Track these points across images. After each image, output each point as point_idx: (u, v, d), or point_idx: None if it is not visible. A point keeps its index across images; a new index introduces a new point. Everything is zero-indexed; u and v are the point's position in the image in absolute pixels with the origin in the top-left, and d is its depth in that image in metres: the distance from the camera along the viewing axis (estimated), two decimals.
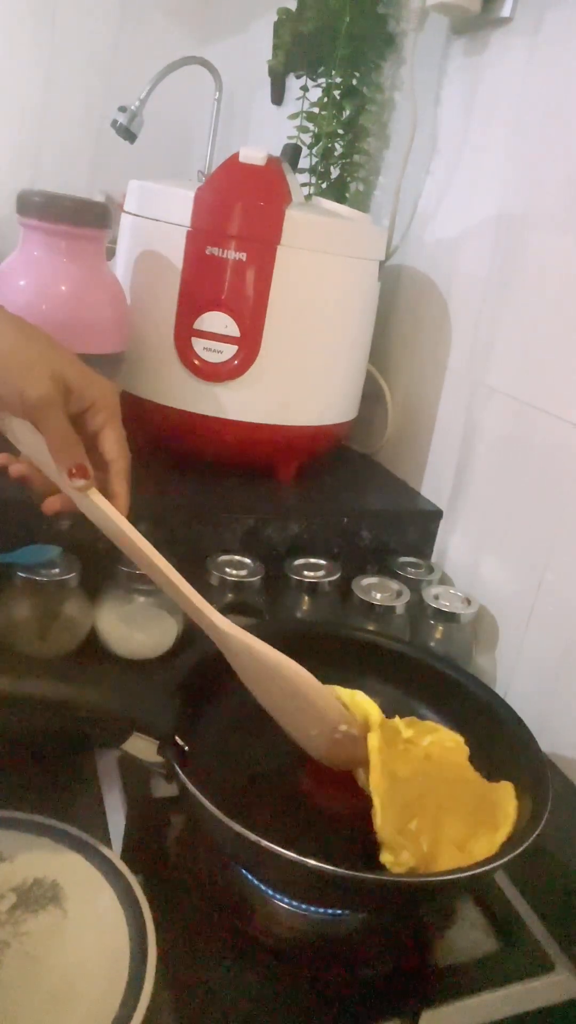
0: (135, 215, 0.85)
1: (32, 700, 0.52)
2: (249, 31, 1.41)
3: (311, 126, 1.02)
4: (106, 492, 0.57)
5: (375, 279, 0.89)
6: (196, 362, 0.82)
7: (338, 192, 1.04)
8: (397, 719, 0.63)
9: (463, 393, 0.88)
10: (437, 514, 0.92)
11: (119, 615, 0.74)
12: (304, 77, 1.05)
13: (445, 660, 0.69)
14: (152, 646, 0.75)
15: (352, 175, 1.04)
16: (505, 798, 0.55)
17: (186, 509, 0.81)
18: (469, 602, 0.80)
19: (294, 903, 0.53)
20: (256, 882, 0.54)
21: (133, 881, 0.52)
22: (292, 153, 0.98)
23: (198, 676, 0.60)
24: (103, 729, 0.58)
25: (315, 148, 1.03)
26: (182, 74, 1.25)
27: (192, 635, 0.75)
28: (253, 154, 0.81)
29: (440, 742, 0.60)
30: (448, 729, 0.62)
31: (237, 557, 0.78)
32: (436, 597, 0.79)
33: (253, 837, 0.46)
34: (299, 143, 1.01)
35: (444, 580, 0.89)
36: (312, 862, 0.46)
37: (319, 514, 0.86)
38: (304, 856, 0.46)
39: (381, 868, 0.51)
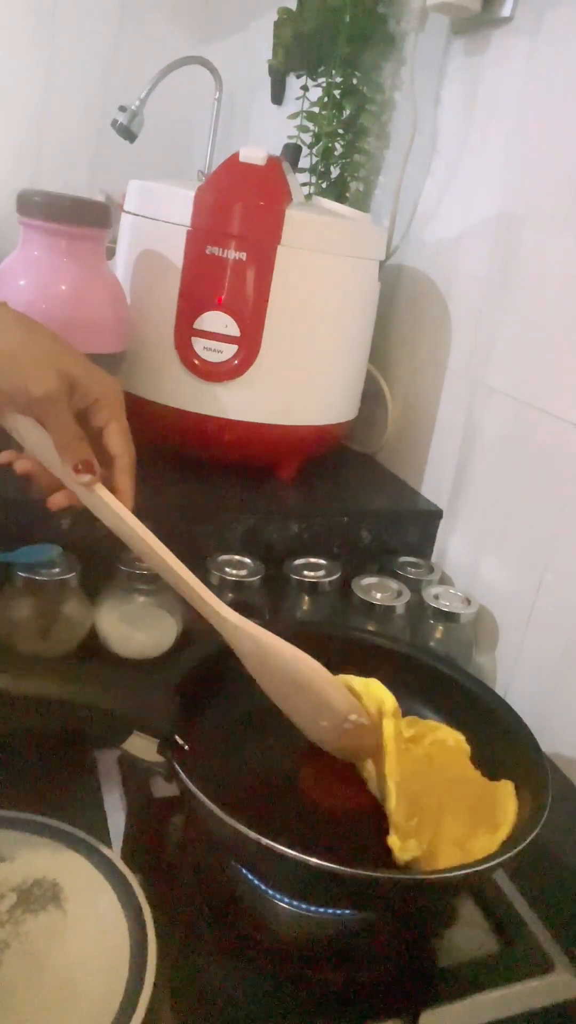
0: (135, 215, 0.85)
1: (32, 699, 0.52)
2: (249, 30, 1.41)
3: (311, 126, 1.02)
4: (111, 487, 0.58)
5: (375, 279, 0.89)
6: (196, 362, 0.82)
7: (338, 192, 1.04)
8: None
9: (463, 393, 0.88)
10: (437, 514, 0.92)
11: (119, 615, 0.74)
12: (304, 77, 1.05)
13: (445, 660, 0.69)
14: (152, 646, 0.75)
15: (352, 175, 1.04)
16: (505, 797, 0.55)
17: (186, 509, 0.81)
18: (469, 602, 0.80)
19: (294, 902, 0.53)
20: (256, 881, 0.54)
21: (133, 881, 0.52)
22: (292, 153, 0.98)
23: (198, 676, 0.60)
24: (103, 729, 0.58)
25: (315, 148, 1.03)
26: (182, 74, 1.25)
27: (192, 635, 0.75)
28: (253, 154, 0.81)
29: (441, 741, 0.60)
30: (449, 728, 0.62)
31: (237, 557, 0.78)
32: (436, 597, 0.79)
33: (253, 835, 0.46)
34: (299, 143, 1.01)
35: (444, 580, 0.89)
36: (312, 860, 0.46)
37: (319, 514, 0.86)
38: (304, 854, 0.46)
39: (382, 865, 0.51)
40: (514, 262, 0.81)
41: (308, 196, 0.99)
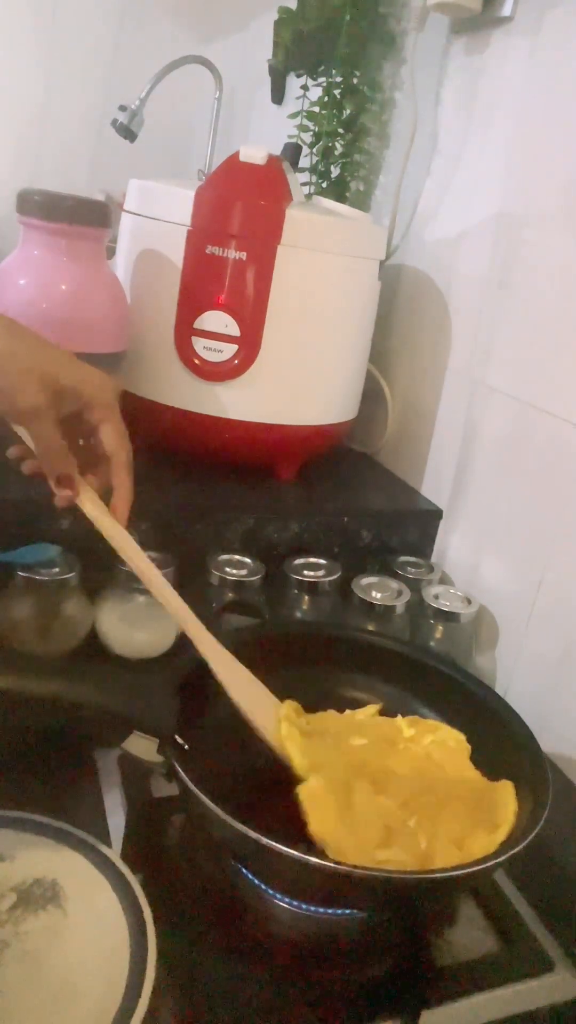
0: (135, 214, 0.85)
1: (32, 699, 0.52)
2: (249, 30, 1.41)
3: (311, 125, 1.02)
4: (109, 484, 0.59)
5: (375, 278, 0.89)
6: (196, 361, 0.82)
7: (338, 191, 1.04)
8: (399, 718, 0.63)
9: (463, 393, 0.88)
10: (437, 514, 0.92)
11: (119, 614, 0.74)
12: (304, 76, 1.05)
13: (445, 660, 0.69)
14: (152, 645, 0.74)
15: (352, 174, 1.04)
16: (505, 797, 0.55)
17: (186, 509, 0.81)
18: (469, 602, 0.80)
19: (294, 902, 0.53)
20: (256, 881, 0.54)
21: (133, 881, 0.52)
22: (292, 152, 0.98)
23: (198, 676, 0.60)
24: (103, 728, 0.58)
25: (315, 147, 1.03)
26: (182, 73, 1.25)
27: None
28: (253, 153, 0.81)
29: (442, 741, 0.60)
30: (449, 728, 0.62)
31: (237, 557, 0.78)
32: (436, 597, 0.79)
33: (253, 834, 0.46)
34: (299, 142, 1.01)
35: (444, 580, 0.89)
36: (312, 859, 0.46)
37: (319, 514, 0.86)
38: (304, 854, 0.46)
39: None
40: (514, 262, 0.81)
41: (308, 196, 0.99)
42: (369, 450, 1.05)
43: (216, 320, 0.80)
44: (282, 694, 0.60)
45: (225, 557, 0.78)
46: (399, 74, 0.99)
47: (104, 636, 0.74)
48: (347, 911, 0.54)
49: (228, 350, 0.81)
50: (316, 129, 1.02)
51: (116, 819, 0.60)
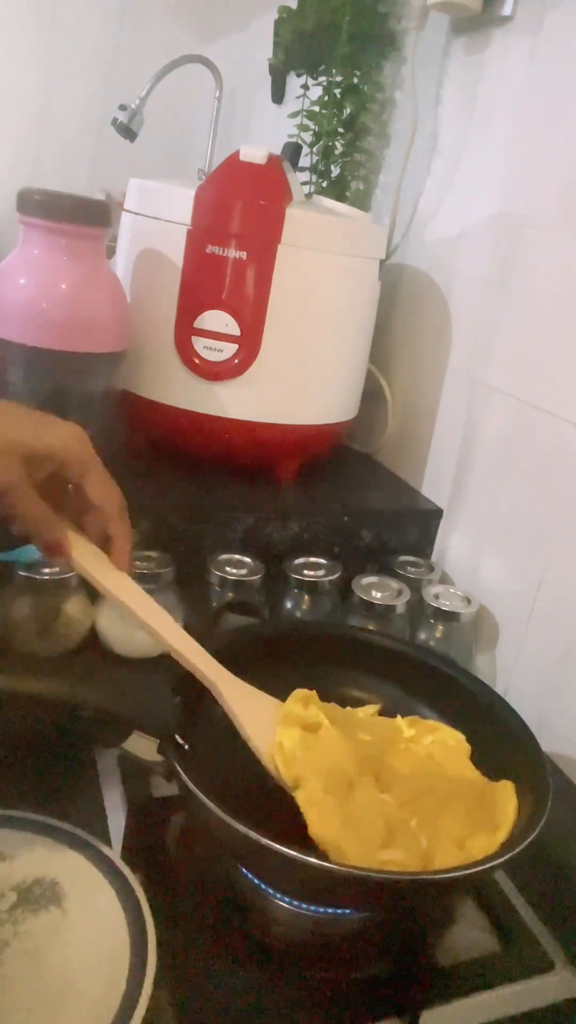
0: (135, 213, 0.85)
1: (32, 699, 0.52)
2: (250, 29, 1.41)
3: (312, 124, 1.02)
4: (106, 536, 0.56)
5: (375, 278, 0.89)
6: (196, 361, 0.82)
7: (339, 191, 1.04)
8: (399, 718, 0.63)
9: (463, 392, 0.88)
10: (437, 513, 0.92)
11: (119, 614, 0.74)
12: (305, 75, 1.05)
13: (445, 659, 0.69)
14: (152, 646, 0.74)
15: (353, 174, 1.04)
16: (505, 797, 0.55)
17: (186, 508, 0.81)
18: (469, 601, 0.80)
19: (294, 902, 0.53)
20: (256, 881, 0.54)
21: (133, 881, 0.52)
22: (293, 151, 0.98)
23: None
24: (103, 728, 0.58)
25: (316, 147, 1.02)
26: (182, 72, 1.25)
27: (192, 635, 0.75)
28: (253, 152, 0.81)
29: (442, 741, 0.60)
30: (449, 727, 0.62)
31: (237, 556, 0.78)
32: (436, 596, 0.79)
33: (254, 835, 0.46)
34: (299, 141, 1.01)
35: (444, 579, 0.89)
36: (312, 860, 0.46)
37: (319, 513, 0.86)
38: (304, 854, 0.46)
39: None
40: (514, 262, 0.81)
41: (308, 195, 0.99)
42: (369, 450, 1.05)
43: (216, 319, 0.80)
44: (282, 694, 0.60)
45: (225, 557, 0.78)
46: (399, 73, 0.99)
47: (104, 636, 0.74)
48: (347, 911, 0.54)
49: (228, 349, 0.81)
50: (316, 128, 1.02)
51: (116, 819, 0.60)
